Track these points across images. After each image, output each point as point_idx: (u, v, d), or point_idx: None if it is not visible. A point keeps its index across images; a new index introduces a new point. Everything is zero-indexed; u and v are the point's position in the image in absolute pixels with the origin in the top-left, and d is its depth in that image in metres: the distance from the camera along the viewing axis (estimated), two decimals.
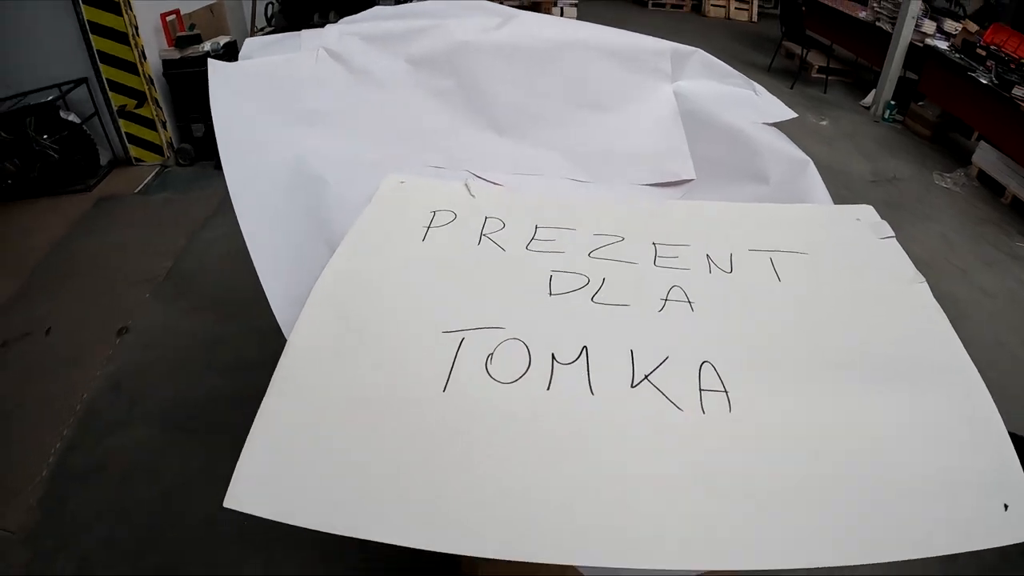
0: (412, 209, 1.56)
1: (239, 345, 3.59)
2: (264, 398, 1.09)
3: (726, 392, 1.10)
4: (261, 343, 3.17)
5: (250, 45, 2.15)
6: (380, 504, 0.94)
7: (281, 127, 1.83)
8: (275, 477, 0.99)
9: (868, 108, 7.60)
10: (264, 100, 1.91)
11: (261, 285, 3.23)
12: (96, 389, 3.48)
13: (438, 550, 0.89)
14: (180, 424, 3.21)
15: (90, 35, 5.29)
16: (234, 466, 2.62)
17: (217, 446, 2.91)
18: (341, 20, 2.23)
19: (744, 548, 0.90)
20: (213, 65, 1.96)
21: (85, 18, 5.21)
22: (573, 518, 0.92)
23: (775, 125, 1.98)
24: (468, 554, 0.89)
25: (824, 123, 7.18)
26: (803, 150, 1.88)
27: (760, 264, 1.42)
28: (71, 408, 3.38)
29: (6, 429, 3.35)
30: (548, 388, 1.09)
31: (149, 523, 2.77)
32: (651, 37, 2.13)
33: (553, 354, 1.15)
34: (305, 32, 2.16)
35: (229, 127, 1.74)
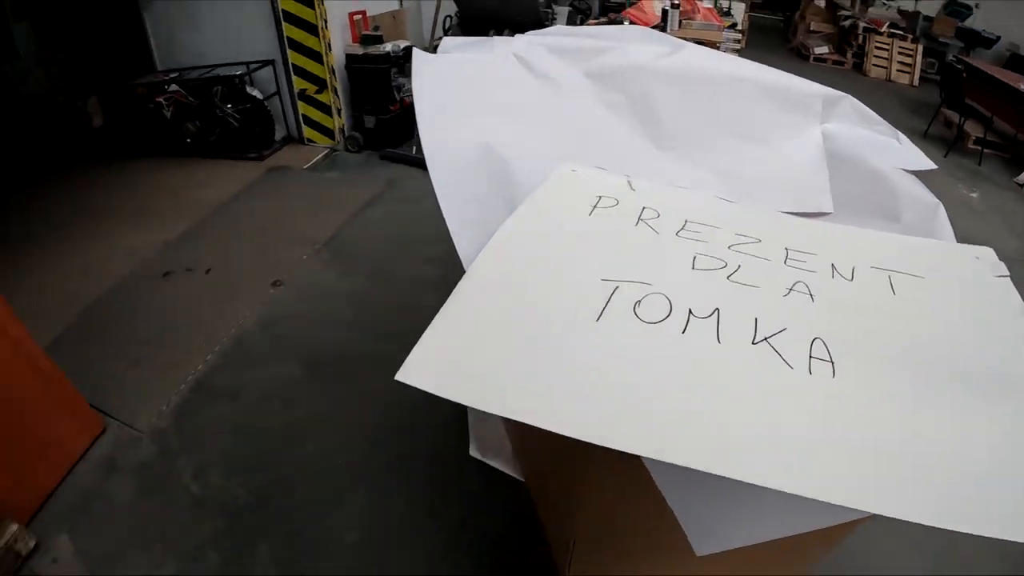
0: (581, 191, 1.79)
1: (382, 314, 3.85)
2: (443, 307, 1.34)
3: (832, 363, 1.25)
4: (401, 317, 3.57)
5: (447, 43, 2.48)
6: (529, 393, 1.15)
7: (471, 113, 2.10)
8: (441, 363, 1.21)
9: (1022, 186, 7.33)
10: (458, 89, 2.21)
11: (412, 268, 3.58)
12: (245, 327, 3.85)
13: (570, 435, 1.07)
14: (316, 370, 3.49)
15: (282, 23, 5.84)
16: (359, 414, 2.94)
17: (346, 394, 3.26)
18: (528, 32, 2.51)
19: (819, 478, 1.03)
20: (418, 54, 2.28)
21: (280, 7, 5.76)
22: (686, 428, 1.10)
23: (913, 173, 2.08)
24: (591, 441, 1.06)
25: (975, 195, 6.96)
26: (951, 223, 1.93)
27: (879, 278, 1.55)
28: (219, 338, 3.76)
29: (156, 344, 3.80)
30: (683, 332, 1.28)
31: (268, 446, 3.05)
32: (805, 79, 2.26)
33: (690, 309, 1.34)
34: (497, 38, 2.49)
35: (427, 106, 2.06)
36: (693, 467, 1.01)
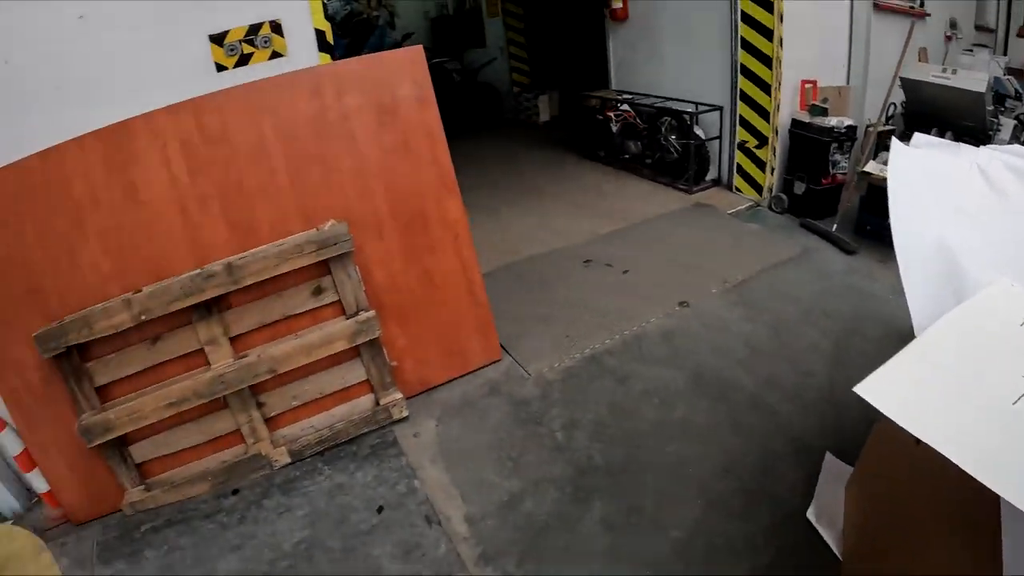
0: (1017, 304, 2.05)
1: (772, 365, 3.80)
2: (896, 355, 1.76)
3: None
4: (789, 375, 3.65)
5: (919, 139, 2.75)
6: (954, 435, 1.51)
7: (934, 206, 2.41)
8: (891, 392, 1.63)
9: None
10: (926, 181, 2.51)
11: (810, 336, 4.02)
12: (646, 329, 4.14)
13: (978, 478, 1.35)
14: (699, 387, 3.62)
15: (738, 76, 6.13)
16: (724, 439, 3.32)
17: (719, 418, 3.37)
18: (991, 146, 2.65)
19: None
20: (896, 143, 2.61)
21: (739, 61, 6.07)
22: None
23: None
24: (988, 484, 1.34)
25: None
26: None
27: None
28: (620, 330, 4.10)
29: (564, 312, 4.30)
30: None
31: (635, 431, 3.27)
32: None
33: None
34: (963, 145, 2.68)
35: (900, 189, 2.45)
36: None
